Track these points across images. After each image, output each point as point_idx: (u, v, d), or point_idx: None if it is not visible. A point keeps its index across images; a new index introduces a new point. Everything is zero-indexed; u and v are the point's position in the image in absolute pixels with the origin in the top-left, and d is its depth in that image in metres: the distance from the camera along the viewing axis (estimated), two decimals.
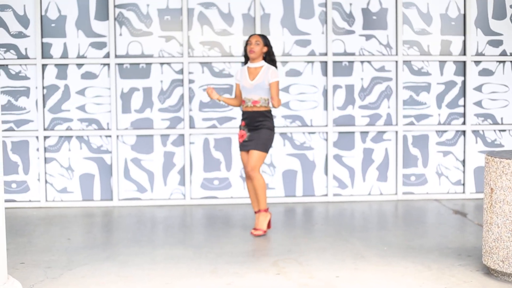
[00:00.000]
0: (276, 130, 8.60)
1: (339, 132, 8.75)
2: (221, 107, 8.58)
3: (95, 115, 8.59)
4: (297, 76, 8.70)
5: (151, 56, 8.58)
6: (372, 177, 8.85)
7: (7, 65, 8.48)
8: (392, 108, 8.78)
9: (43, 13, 8.47)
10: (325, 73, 8.69)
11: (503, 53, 8.83)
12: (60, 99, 8.55)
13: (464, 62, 8.78)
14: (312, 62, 8.70)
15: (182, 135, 8.61)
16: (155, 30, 8.57)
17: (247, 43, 6.94)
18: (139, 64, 8.54)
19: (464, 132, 8.84)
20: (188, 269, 5.65)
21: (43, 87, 8.53)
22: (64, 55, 8.53)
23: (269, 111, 6.93)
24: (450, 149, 8.88)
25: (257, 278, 5.40)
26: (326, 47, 8.66)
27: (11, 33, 8.48)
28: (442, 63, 8.80)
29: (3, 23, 8.45)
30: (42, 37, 8.48)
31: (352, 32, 8.70)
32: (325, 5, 8.61)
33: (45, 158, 8.57)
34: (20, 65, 8.50)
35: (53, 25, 8.51)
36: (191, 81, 8.59)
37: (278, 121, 8.63)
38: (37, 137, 8.54)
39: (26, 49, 8.50)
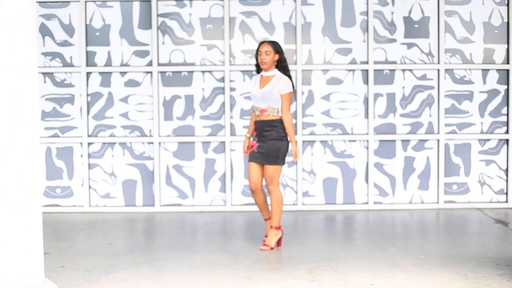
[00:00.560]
0: (317, 138, 8.65)
1: (380, 140, 8.74)
2: None
3: (138, 122, 8.72)
4: (338, 85, 8.72)
5: (193, 64, 8.68)
6: (413, 186, 8.81)
7: (52, 73, 8.67)
8: (434, 116, 8.74)
9: (87, 22, 8.65)
10: (366, 81, 8.70)
11: None
12: (103, 106, 8.71)
13: (508, 70, 8.71)
14: (353, 70, 8.71)
15: (223, 142, 8.70)
16: (197, 39, 8.68)
17: (257, 52, 6.65)
18: (181, 72, 8.66)
19: (507, 141, 8.76)
20: (224, 275, 5.72)
21: (87, 95, 8.70)
22: (108, 63, 8.68)
23: (279, 120, 6.60)
24: (493, 158, 8.81)
25: (291, 285, 5.43)
26: (367, 55, 8.67)
27: (57, 41, 8.67)
28: (485, 72, 8.74)
29: (49, 32, 8.65)
30: (86, 45, 8.65)
31: (394, 40, 8.69)
32: (367, 13, 8.63)
33: (89, 164, 8.73)
34: (65, 73, 8.68)
35: (97, 33, 8.68)
36: (232, 89, 8.68)
37: (318, 129, 8.68)
38: (81, 144, 8.71)
39: (71, 57, 8.68)
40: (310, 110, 8.71)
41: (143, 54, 8.69)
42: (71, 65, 8.69)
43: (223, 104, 8.68)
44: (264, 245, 6.64)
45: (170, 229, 7.72)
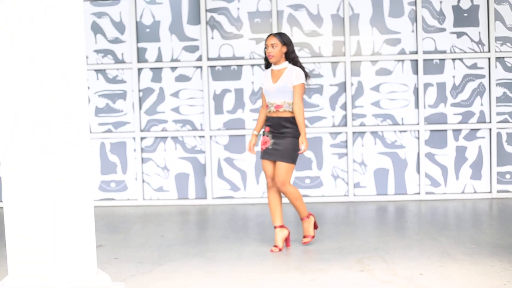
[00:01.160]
0: (367, 129, 8.65)
1: (431, 130, 8.70)
2: (313, 107, 8.69)
3: (189, 116, 8.84)
4: (387, 75, 8.70)
5: (242, 58, 8.76)
6: (465, 175, 8.75)
7: (105, 69, 8.84)
8: (485, 105, 8.67)
9: (138, 19, 8.79)
10: (415, 71, 8.66)
11: None
12: (155, 101, 8.84)
13: None
14: (403, 60, 8.68)
15: None
16: (245, 33, 8.75)
17: (265, 46, 6.40)
18: (230, 66, 8.74)
19: None
20: (273, 265, 5.79)
21: (139, 90, 8.84)
22: (159, 59, 8.81)
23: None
24: None
25: (340, 275, 5.47)
26: (416, 45, 8.63)
27: (108, 38, 8.84)
28: None
29: (100, 29, 8.82)
30: (137, 42, 8.80)
31: (443, 29, 8.63)
32: (415, 3, 8.59)
33: (142, 158, 8.88)
34: (117, 69, 8.84)
35: (147, 30, 8.81)
36: None
37: (368, 120, 8.68)
38: (134, 138, 8.87)
39: (122, 54, 8.84)
40: (359, 101, 8.71)
41: (192, 49, 8.80)
42: (123, 61, 8.85)
43: None
44: (305, 236, 6.53)
45: (222, 221, 7.82)
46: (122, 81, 8.86)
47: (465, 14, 8.61)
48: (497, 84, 8.63)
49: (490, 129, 8.64)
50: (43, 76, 4.25)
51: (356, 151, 8.76)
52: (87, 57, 8.75)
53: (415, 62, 8.66)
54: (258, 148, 8.22)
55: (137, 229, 7.53)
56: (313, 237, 6.52)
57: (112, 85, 8.87)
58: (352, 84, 8.70)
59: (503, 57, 8.61)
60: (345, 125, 8.70)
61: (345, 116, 8.70)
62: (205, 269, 5.71)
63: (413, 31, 8.65)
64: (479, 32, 8.61)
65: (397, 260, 5.88)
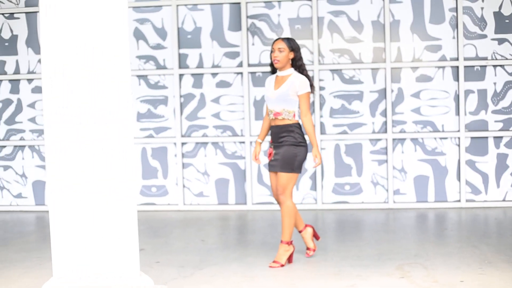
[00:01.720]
0: (407, 135, 8.63)
1: (472, 137, 8.66)
2: (353, 114, 8.70)
3: (229, 122, 8.90)
4: (428, 82, 8.68)
5: None
6: (506, 183, 8.68)
7: (146, 75, 8.95)
8: None
9: (179, 26, 8.89)
10: (456, 78, 8.63)
11: None
12: (196, 107, 8.93)
13: None
14: (443, 67, 8.66)
15: None
16: None
17: (271, 50, 6.07)
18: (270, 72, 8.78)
19: None
20: (313, 271, 5.81)
21: (180, 96, 8.94)
22: (200, 65, 8.90)
23: (296, 124, 6.01)
24: None
25: (379, 281, 5.48)
26: (457, 51, 8.60)
27: (150, 45, 8.95)
28: None
29: (142, 35, 8.94)
30: (179, 48, 8.90)
31: (484, 36, 8.59)
32: (456, 9, 8.56)
33: (183, 164, 8.97)
34: (159, 75, 8.95)
35: (189, 36, 8.90)
36: (321, 88, 8.75)
37: (408, 127, 8.66)
38: (175, 144, 8.96)
39: (164, 59, 8.94)
40: (400, 108, 8.70)
41: (233, 55, 8.87)
42: (164, 67, 8.95)
43: (312, 103, 8.77)
44: (274, 262, 6.00)
45: (261, 227, 7.87)
46: (164, 87, 8.96)
47: (507, 21, 8.55)
48: None
49: None
50: (91, 80, 4.33)
51: (396, 158, 8.75)
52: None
53: (455, 69, 8.63)
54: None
55: (178, 233, 7.61)
56: (282, 265, 5.96)
57: (153, 90, 8.97)
58: (392, 91, 8.69)
59: None
60: (385, 131, 8.69)
61: (385, 123, 8.69)
62: (244, 273, 5.76)
63: (454, 37, 8.62)
64: None
65: (437, 267, 5.86)
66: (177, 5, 8.85)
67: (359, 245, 6.74)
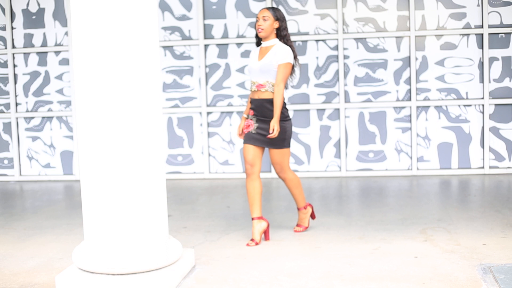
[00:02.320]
0: (431, 103, 8.67)
1: (496, 105, 8.68)
2: (377, 82, 8.75)
3: None
4: (452, 49, 8.70)
5: (307, 33, 8.85)
6: None
7: (172, 46, 9.05)
8: None
9: None
10: (480, 45, 8.63)
11: None
12: (221, 77, 9.02)
13: None
14: (468, 35, 8.66)
15: (337, 109, 8.85)
16: (310, 9, 8.83)
17: (256, 19, 5.80)
18: (295, 41, 8.84)
19: None
20: (337, 235, 5.91)
21: (206, 66, 9.03)
22: (225, 35, 8.97)
23: None
24: None
25: (403, 244, 5.56)
26: (481, 19, 8.60)
27: (175, 16, 9.03)
28: None
29: (168, 7, 9.02)
30: (204, 19, 8.97)
31: (509, 3, 8.57)
32: None
33: (208, 133, 9.08)
34: (184, 46, 9.04)
35: (214, 7, 8.97)
36: (346, 57, 8.80)
37: (433, 94, 8.70)
38: (200, 113, 9.07)
39: (189, 30, 9.02)
40: (424, 76, 8.73)
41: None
42: (190, 38, 9.03)
43: (337, 72, 8.82)
44: (298, 225, 6.11)
45: (286, 194, 7.95)
46: (189, 57, 9.05)
47: None
48: None
49: None
50: (119, 51, 4.42)
51: (420, 126, 8.79)
52: None
53: (480, 36, 8.63)
54: None
55: (204, 200, 7.74)
56: (306, 227, 6.11)
57: (179, 61, 9.07)
58: (416, 59, 8.72)
59: None
60: (409, 99, 8.74)
61: (409, 91, 8.73)
62: (271, 237, 5.86)
63: (478, 5, 8.61)
64: None
65: (460, 231, 5.93)
66: None
67: (383, 210, 6.83)
